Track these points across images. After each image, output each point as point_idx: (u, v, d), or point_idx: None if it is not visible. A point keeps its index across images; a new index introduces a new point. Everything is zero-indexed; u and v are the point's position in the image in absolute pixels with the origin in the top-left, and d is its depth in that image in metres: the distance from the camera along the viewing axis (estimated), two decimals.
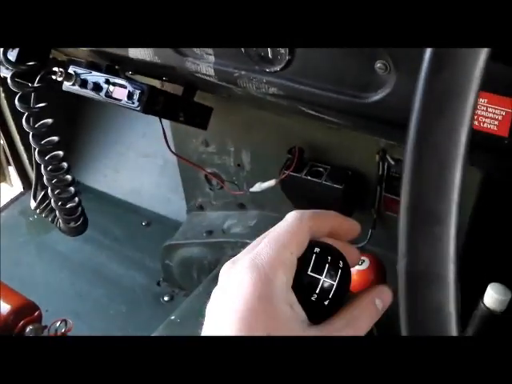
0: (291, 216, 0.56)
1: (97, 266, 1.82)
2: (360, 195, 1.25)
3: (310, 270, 0.53)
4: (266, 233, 0.55)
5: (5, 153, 2.07)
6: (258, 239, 0.55)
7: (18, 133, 1.96)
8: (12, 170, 2.11)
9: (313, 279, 0.53)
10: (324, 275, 0.53)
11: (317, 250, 0.55)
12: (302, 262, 0.54)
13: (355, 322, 0.53)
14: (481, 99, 0.70)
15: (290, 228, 0.54)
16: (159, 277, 1.75)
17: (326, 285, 0.53)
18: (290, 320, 0.50)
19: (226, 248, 1.47)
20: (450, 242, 0.34)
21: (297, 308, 0.51)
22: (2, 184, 2.15)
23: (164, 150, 1.35)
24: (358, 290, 1.15)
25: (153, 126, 1.29)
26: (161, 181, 1.95)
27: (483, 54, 0.32)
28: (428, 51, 0.33)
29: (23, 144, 1.99)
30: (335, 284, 0.53)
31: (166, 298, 1.71)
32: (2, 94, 1.84)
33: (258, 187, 1.27)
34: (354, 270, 1.12)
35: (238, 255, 0.55)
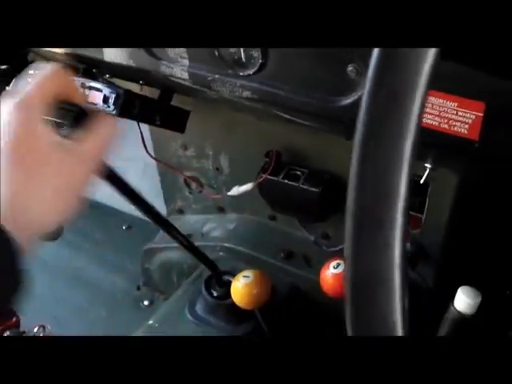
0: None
1: (76, 271, 1.81)
2: (338, 199, 1.25)
3: None
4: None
5: None
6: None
7: None
8: None
9: None
10: None
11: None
12: None
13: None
14: (451, 103, 0.70)
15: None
16: (139, 281, 1.74)
17: None
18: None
19: (206, 252, 1.46)
20: (394, 248, 0.34)
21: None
22: None
23: (144, 153, 1.34)
24: (332, 293, 1.15)
25: (132, 130, 1.29)
26: (141, 184, 1.93)
27: (429, 57, 0.32)
28: (374, 55, 0.33)
29: None
30: None
31: (145, 303, 1.71)
32: None
33: (236, 191, 1.27)
34: (330, 273, 1.13)
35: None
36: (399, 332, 0.35)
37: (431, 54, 0.32)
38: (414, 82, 0.32)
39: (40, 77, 0.57)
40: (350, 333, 0.37)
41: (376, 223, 0.34)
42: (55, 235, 1.18)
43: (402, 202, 0.34)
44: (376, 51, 0.33)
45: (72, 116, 0.61)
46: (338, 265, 1.13)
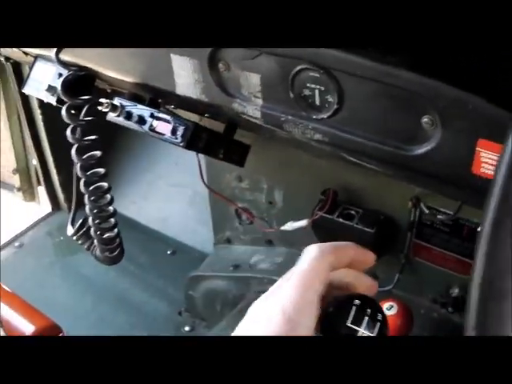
0: (312, 252, 0.59)
1: (120, 292, 1.83)
2: (390, 240, 1.26)
3: (349, 321, 0.55)
4: (291, 271, 0.59)
5: (36, 173, 2.10)
6: (285, 277, 0.59)
7: (52, 154, 2.00)
8: (42, 191, 2.14)
9: (351, 331, 0.54)
10: (363, 327, 0.54)
11: (357, 302, 0.56)
12: (341, 312, 0.55)
13: None
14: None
15: (312, 267, 0.57)
16: (181, 307, 1.76)
17: (364, 336, 0.54)
18: None
19: (252, 283, 1.48)
20: None
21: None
22: (31, 204, 2.18)
23: (194, 180, 1.36)
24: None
25: (185, 156, 1.31)
26: (189, 211, 1.97)
27: None
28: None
29: (55, 166, 2.03)
30: (374, 336, 0.54)
31: (186, 329, 1.72)
32: (40, 117, 1.88)
33: (290, 226, 1.28)
34: None
35: (266, 294, 0.59)
36: None
37: None
38: None
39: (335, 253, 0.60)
40: None
41: (501, 294, 0.35)
42: (114, 260, 1.20)
43: None
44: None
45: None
46: (391, 307, 1.14)
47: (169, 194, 2.02)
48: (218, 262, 1.62)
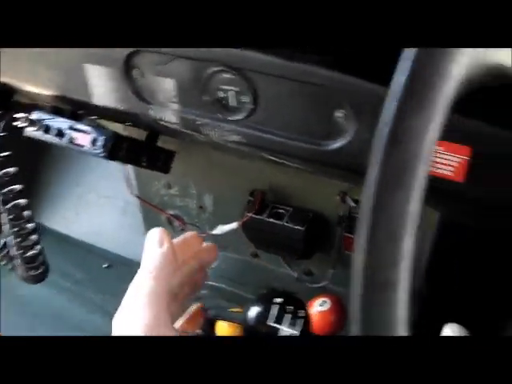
0: (155, 250, 0.69)
1: (58, 310, 1.79)
2: (321, 236, 1.27)
3: (269, 320, 0.55)
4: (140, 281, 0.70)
5: None
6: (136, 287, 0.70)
7: None
8: None
9: (273, 329, 0.54)
10: (285, 325, 0.54)
11: (277, 300, 0.56)
12: (262, 311, 0.55)
13: None
14: (437, 147, 0.72)
15: (156, 282, 0.67)
16: None
17: (285, 334, 0.54)
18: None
19: None
20: (402, 305, 0.35)
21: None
22: None
23: (125, 191, 1.35)
24: (319, 330, 1.16)
25: (113, 168, 1.29)
26: (122, 222, 1.95)
27: (435, 129, 0.34)
28: (383, 129, 0.35)
29: None
30: (297, 334, 0.54)
31: None
32: None
33: (220, 230, 1.28)
34: (316, 311, 1.14)
35: (122, 310, 0.71)
36: None
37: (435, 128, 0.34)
38: (421, 153, 0.34)
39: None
40: None
41: (385, 284, 0.35)
42: (38, 279, 1.18)
43: (409, 263, 0.35)
44: (383, 126, 0.35)
45: None
46: (324, 302, 1.14)
47: (100, 206, 1.99)
48: None
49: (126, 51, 0.85)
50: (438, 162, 0.73)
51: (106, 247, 1.96)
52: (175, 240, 0.70)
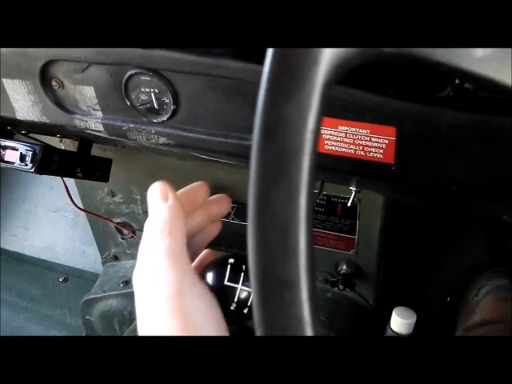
0: (160, 205, 0.61)
1: (15, 330, 1.76)
2: None
3: (226, 280, 0.55)
4: (150, 229, 0.59)
5: None
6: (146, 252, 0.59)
7: None
8: None
9: (230, 289, 0.55)
10: (240, 284, 0.55)
11: (231, 260, 0.57)
12: (218, 273, 0.56)
13: None
14: (363, 130, 0.71)
15: (169, 220, 0.59)
16: (82, 333, 1.71)
17: (243, 294, 0.55)
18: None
19: None
20: (302, 306, 0.34)
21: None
22: None
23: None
24: None
25: (60, 180, 1.27)
26: (74, 234, 1.92)
27: (313, 116, 0.32)
28: (257, 121, 0.34)
29: None
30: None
31: None
32: None
33: None
34: None
35: (139, 278, 0.59)
36: None
37: (312, 117, 0.33)
38: (302, 141, 0.33)
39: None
40: None
41: (281, 284, 0.34)
42: None
43: (306, 259, 0.34)
44: (258, 121, 0.34)
45: None
46: None
47: (49, 220, 1.96)
48: (108, 281, 1.58)
49: (40, 62, 0.82)
50: (368, 146, 0.72)
51: (60, 261, 1.93)
52: (180, 191, 0.66)
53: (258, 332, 0.35)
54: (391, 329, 0.85)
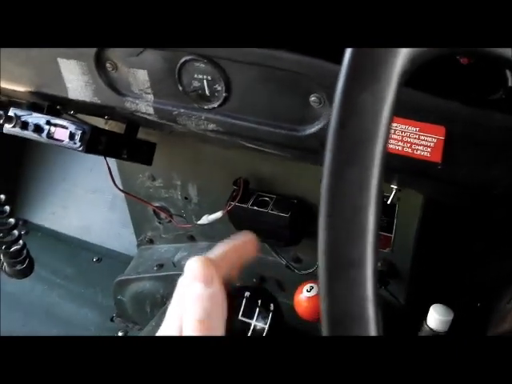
0: (202, 290, 0.53)
1: (49, 306, 1.79)
2: (307, 222, 1.27)
3: (240, 314, 0.54)
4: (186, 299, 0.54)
5: None
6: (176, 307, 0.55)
7: None
8: None
9: (244, 324, 0.54)
10: (255, 319, 0.54)
11: (247, 294, 0.55)
12: (233, 307, 0.54)
13: None
14: (413, 127, 0.72)
15: (205, 292, 0.52)
16: (112, 313, 1.73)
17: (257, 328, 0.53)
18: None
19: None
20: (366, 284, 0.35)
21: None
22: None
23: (112, 184, 1.35)
24: (308, 316, 1.16)
25: (99, 161, 1.29)
26: (110, 216, 1.95)
27: (388, 104, 0.33)
28: (335, 105, 0.35)
29: None
30: (266, 327, 0.54)
31: (120, 334, 1.70)
32: None
33: (206, 219, 1.28)
34: (304, 296, 1.14)
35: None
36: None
37: (388, 103, 0.34)
38: (376, 126, 0.34)
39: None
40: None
41: (348, 261, 0.35)
42: (25, 273, 1.18)
43: (373, 239, 0.35)
44: (336, 105, 0.35)
45: None
46: (312, 288, 1.15)
47: (88, 200, 1.99)
48: (142, 264, 1.61)
49: None
50: (415, 144, 0.73)
51: (95, 241, 1.96)
52: (225, 253, 0.57)
53: (322, 306, 0.36)
54: (428, 325, 0.86)
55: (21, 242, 1.11)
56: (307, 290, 1.15)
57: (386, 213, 1.16)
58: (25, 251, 1.14)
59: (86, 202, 2.00)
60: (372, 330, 0.36)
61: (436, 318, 0.85)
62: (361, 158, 0.34)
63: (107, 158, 1.23)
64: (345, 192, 0.35)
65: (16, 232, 1.08)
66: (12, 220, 1.06)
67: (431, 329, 0.86)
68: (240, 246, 0.59)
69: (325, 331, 0.37)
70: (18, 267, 1.15)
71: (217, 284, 0.52)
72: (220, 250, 0.58)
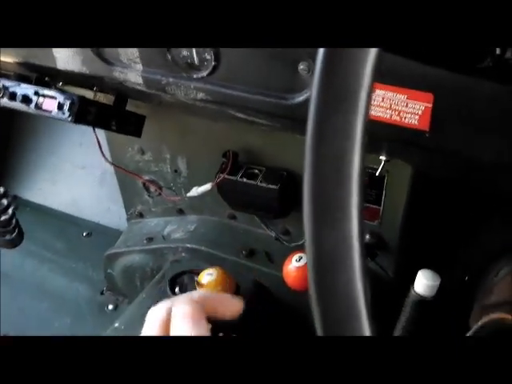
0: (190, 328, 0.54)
1: (39, 281, 1.80)
2: (296, 195, 1.27)
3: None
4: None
5: None
6: None
7: None
8: None
9: None
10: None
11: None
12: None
13: None
14: (401, 95, 0.72)
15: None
16: (103, 286, 1.74)
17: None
18: None
19: (167, 254, 1.47)
20: (352, 225, 0.36)
21: None
22: None
23: (101, 159, 1.34)
24: (297, 286, 1.17)
25: (89, 136, 1.28)
26: (100, 191, 1.95)
27: (372, 54, 0.34)
28: (320, 53, 0.35)
29: None
30: None
31: (110, 307, 1.71)
32: None
33: (195, 192, 1.28)
34: (293, 266, 1.15)
35: None
36: (362, 302, 0.37)
37: (372, 54, 0.34)
38: (361, 76, 0.34)
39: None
40: (314, 310, 0.38)
41: (333, 204, 0.35)
42: (15, 243, 1.18)
43: (357, 184, 0.35)
44: (320, 53, 0.35)
45: None
46: (301, 258, 1.15)
47: (77, 176, 1.99)
48: (132, 238, 1.61)
49: None
50: (403, 111, 0.73)
51: (85, 216, 1.96)
52: (215, 300, 0.59)
53: (308, 251, 0.36)
54: (415, 291, 0.87)
55: (10, 211, 1.11)
56: (296, 260, 1.15)
57: (374, 185, 1.16)
58: (14, 221, 1.14)
59: (75, 177, 2.00)
60: (357, 271, 0.36)
61: (424, 282, 0.86)
62: (345, 105, 0.34)
63: (97, 132, 1.23)
64: (329, 136, 0.35)
65: (5, 201, 1.08)
66: (1, 189, 1.06)
67: (418, 294, 0.86)
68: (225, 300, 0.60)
69: (311, 275, 0.37)
70: (8, 237, 1.15)
71: (205, 326, 0.53)
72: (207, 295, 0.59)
